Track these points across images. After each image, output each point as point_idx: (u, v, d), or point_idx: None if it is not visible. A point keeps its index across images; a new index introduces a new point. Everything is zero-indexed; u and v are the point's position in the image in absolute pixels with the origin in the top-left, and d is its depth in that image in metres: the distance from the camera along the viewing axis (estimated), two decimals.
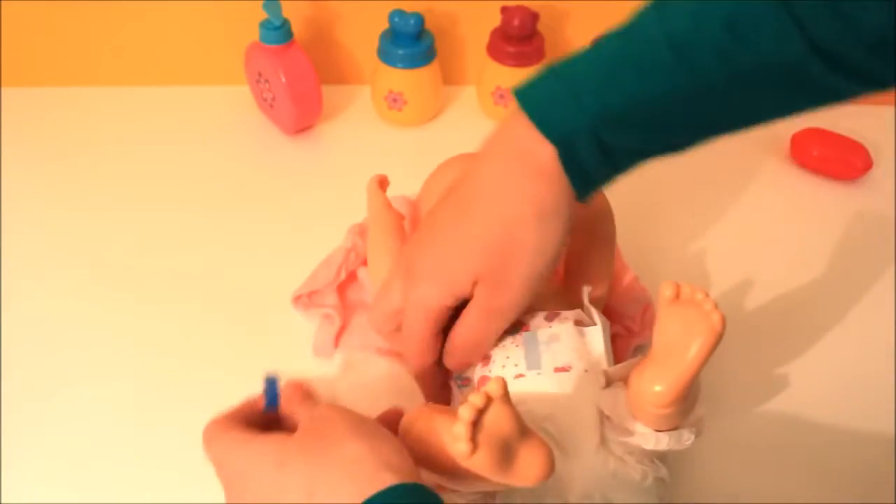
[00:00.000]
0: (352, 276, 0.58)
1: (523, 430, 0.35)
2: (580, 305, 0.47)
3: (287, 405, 0.41)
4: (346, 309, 0.56)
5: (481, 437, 0.33)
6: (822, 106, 0.43)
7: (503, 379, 0.35)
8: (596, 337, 0.45)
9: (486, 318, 0.45)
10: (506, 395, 0.34)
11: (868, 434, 0.52)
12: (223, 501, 0.48)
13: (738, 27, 0.39)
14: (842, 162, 0.70)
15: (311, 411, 0.39)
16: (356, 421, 0.37)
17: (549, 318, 0.46)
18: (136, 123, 0.74)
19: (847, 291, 0.61)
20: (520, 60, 0.72)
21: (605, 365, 0.44)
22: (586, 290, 0.47)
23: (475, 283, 0.44)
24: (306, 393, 0.42)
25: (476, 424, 0.33)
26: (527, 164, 0.43)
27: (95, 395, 0.53)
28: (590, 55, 0.43)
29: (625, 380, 0.42)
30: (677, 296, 0.38)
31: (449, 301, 0.45)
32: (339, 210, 0.61)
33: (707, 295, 0.37)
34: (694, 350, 0.37)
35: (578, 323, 0.46)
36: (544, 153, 0.42)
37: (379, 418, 0.42)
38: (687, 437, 0.41)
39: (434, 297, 0.45)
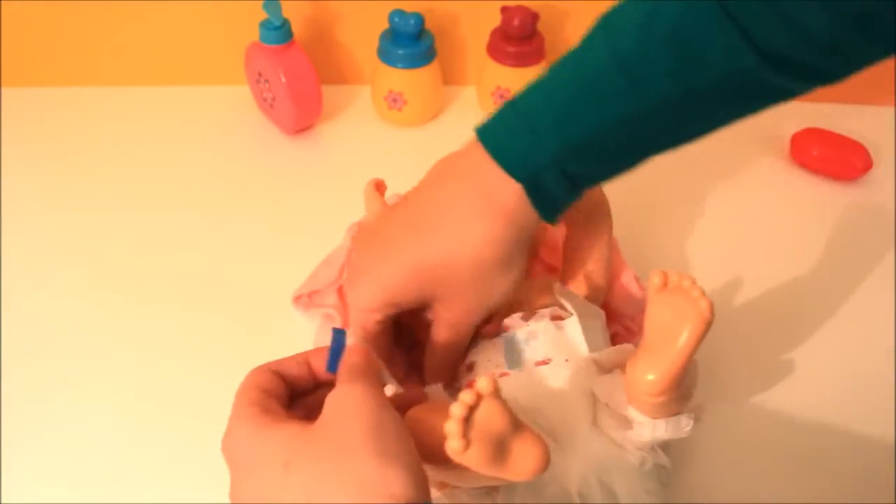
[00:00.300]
0: None
1: (516, 425, 0.35)
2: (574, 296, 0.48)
3: (341, 372, 0.38)
4: (347, 309, 0.56)
5: (473, 434, 0.34)
6: (775, 104, 0.43)
7: (493, 375, 0.35)
8: (573, 328, 0.45)
9: (447, 330, 0.46)
10: (496, 391, 0.35)
11: (868, 433, 0.52)
12: (223, 502, 0.48)
13: (685, 45, 0.39)
14: (842, 162, 0.70)
15: (340, 399, 0.36)
16: (376, 425, 0.34)
17: (526, 318, 0.47)
18: (136, 123, 0.74)
19: (847, 291, 0.61)
20: (520, 60, 0.72)
21: (584, 352, 0.45)
22: (556, 286, 0.48)
23: (431, 300, 0.45)
24: (365, 364, 0.38)
25: (467, 421, 0.34)
26: (489, 201, 0.43)
27: (95, 395, 0.53)
28: (545, 86, 0.43)
29: (621, 367, 0.42)
30: (665, 284, 0.38)
31: (382, 306, 0.45)
32: (339, 210, 0.61)
33: (694, 282, 0.38)
34: (684, 337, 0.37)
35: (556, 318, 0.47)
36: (507, 191, 0.43)
37: (393, 399, 0.41)
38: (685, 424, 0.41)
39: (366, 299, 0.46)
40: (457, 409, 0.33)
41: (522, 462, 0.35)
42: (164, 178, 0.69)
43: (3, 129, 0.73)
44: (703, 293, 0.37)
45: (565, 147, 0.42)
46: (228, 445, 0.37)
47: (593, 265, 0.51)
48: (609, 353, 0.44)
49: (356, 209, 0.61)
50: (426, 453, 0.38)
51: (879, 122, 0.75)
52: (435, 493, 0.43)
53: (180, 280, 0.61)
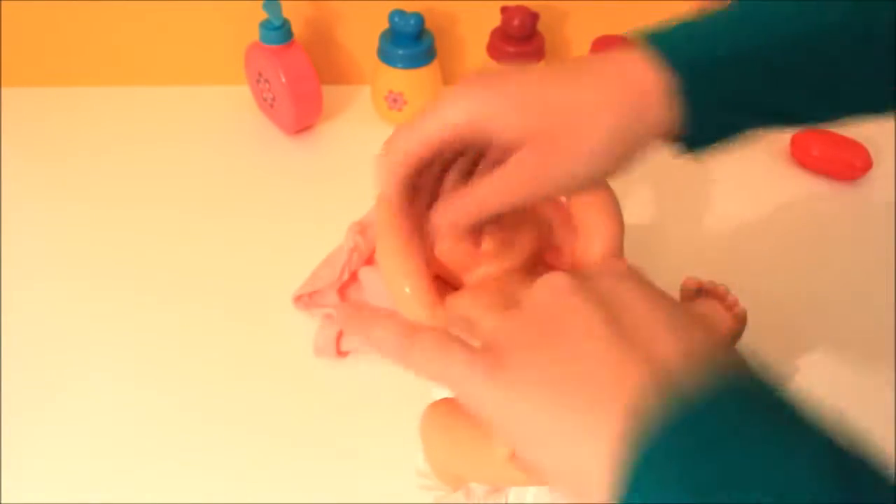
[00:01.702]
0: (353, 276, 0.58)
1: None
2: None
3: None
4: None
5: None
6: None
7: None
8: None
9: (524, 174, 0.39)
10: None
11: (868, 433, 0.52)
12: (223, 501, 0.48)
13: None
14: (842, 162, 0.70)
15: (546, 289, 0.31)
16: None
17: None
18: (136, 123, 0.74)
19: (847, 291, 0.61)
20: (520, 60, 0.72)
21: None
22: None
23: (520, 142, 0.38)
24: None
25: None
26: (630, 83, 0.39)
27: (96, 394, 0.53)
28: (722, 11, 0.40)
29: None
30: (701, 289, 0.38)
31: (460, 121, 0.38)
32: (339, 210, 0.61)
33: (728, 289, 0.37)
34: None
35: None
36: (654, 80, 0.38)
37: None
38: None
39: (444, 109, 0.38)
40: None
41: None
42: (165, 178, 0.69)
43: (3, 129, 0.73)
44: (737, 300, 0.37)
45: (733, 53, 0.38)
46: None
47: (608, 218, 0.50)
48: None
49: (356, 209, 0.62)
50: (460, 449, 0.37)
51: (879, 123, 0.75)
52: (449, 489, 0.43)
53: (180, 280, 0.61)
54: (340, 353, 0.55)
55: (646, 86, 0.38)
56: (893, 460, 0.51)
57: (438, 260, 0.55)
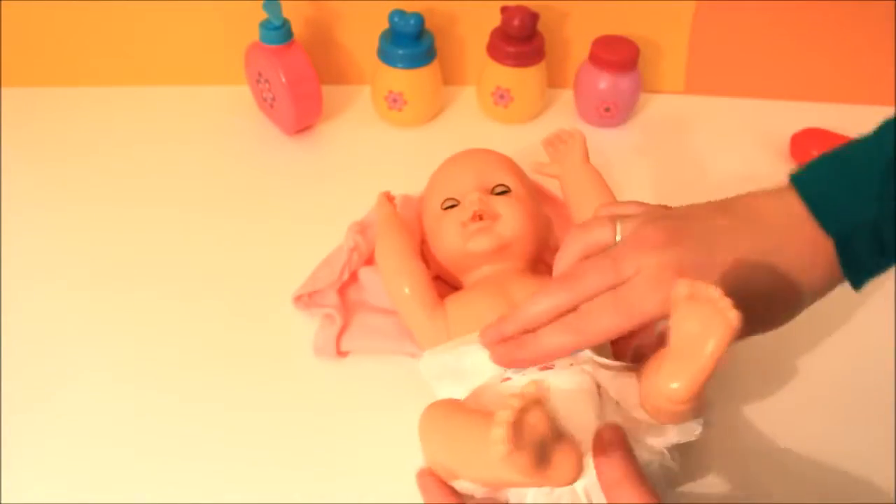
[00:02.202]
0: (353, 276, 0.58)
1: (557, 433, 0.35)
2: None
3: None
4: (347, 309, 0.56)
5: (519, 439, 0.34)
6: None
7: (540, 383, 0.35)
8: None
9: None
10: (544, 397, 0.35)
11: (868, 434, 0.52)
12: (223, 501, 0.48)
13: None
14: None
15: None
16: None
17: None
18: (136, 123, 0.74)
19: (846, 291, 0.61)
20: (520, 60, 0.72)
21: (587, 356, 0.45)
22: None
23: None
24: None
25: (515, 426, 0.33)
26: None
27: (96, 394, 0.53)
28: (872, 145, 0.44)
29: (627, 370, 0.43)
30: (692, 294, 0.38)
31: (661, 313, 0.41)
32: (340, 210, 0.61)
33: (722, 293, 0.37)
34: (711, 347, 0.37)
35: None
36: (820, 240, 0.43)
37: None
38: (695, 428, 0.42)
39: (657, 266, 0.41)
40: (505, 414, 0.33)
41: (561, 470, 0.35)
42: (164, 178, 0.69)
43: (3, 129, 0.73)
44: (732, 304, 0.37)
45: (884, 211, 0.41)
46: None
47: (600, 197, 0.53)
48: (614, 365, 0.44)
49: (356, 209, 0.62)
50: (457, 448, 0.38)
51: (879, 123, 0.75)
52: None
53: (180, 280, 0.61)
54: (340, 353, 0.55)
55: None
56: (893, 460, 0.51)
57: (438, 261, 0.55)
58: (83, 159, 0.70)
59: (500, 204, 0.53)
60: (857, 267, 0.43)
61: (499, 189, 0.54)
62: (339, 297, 0.57)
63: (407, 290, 0.52)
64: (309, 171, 0.70)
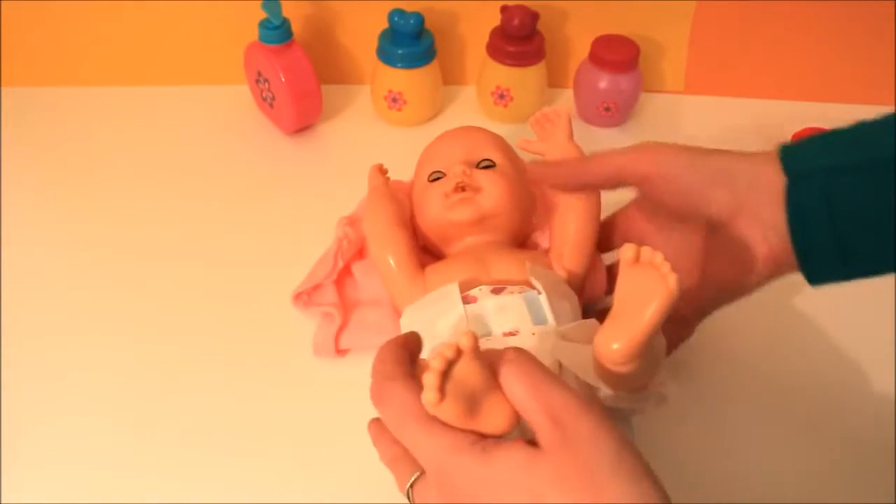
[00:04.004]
0: (347, 269, 0.58)
1: (489, 384, 0.36)
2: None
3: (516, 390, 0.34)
4: (346, 307, 0.56)
5: (449, 388, 0.34)
6: None
7: (474, 333, 0.35)
8: (543, 304, 0.47)
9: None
10: (475, 349, 0.35)
11: (868, 432, 0.52)
12: (223, 502, 0.48)
13: None
14: None
15: (564, 424, 0.33)
16: (619, 447, 0.33)
17: (496, 292, 0.48)
18: (136, 123, 0.74)
19: (846, 291, 0.61)
20: (520, 60, 0.72)
21: (551, 326, 0.46)
22: (528, 264, 0.49)
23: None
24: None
25: (445, 375, 0.34)
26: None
27: (96, 394, 0.53)
28: (858, 127, 0.44)
29: (588, 340, 0.44)
30: (637, 258, 0.40)
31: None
32: (339, 210, 0.61)
33: (664, 258, 0.39)
34: (650, 310, 0.39)
35: (525, 289, 0.48)
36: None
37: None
38: (645, 398, 0.44)
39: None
40: (436, 363, 0.34)
41: (493, 419, 0.36)
42: (164, 178, 0.69)
43: (3, 129, 0.73)
44: (672, 269, 0.39)
45: (838, 163, 0.42)
46: (443, 481, 0.35)
47: (571, 250, 0.53)
48: (575, 327, 0.46)
49: (355, 208, 0.62)
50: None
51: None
52: None
53: (180, 279, 0.61)
54: (339, 352, 0.55)
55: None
56: (894, 459, 0.51)
57: (424, 232, 0.56)
58: (83, 159, 0.70)
59: (483, 177, 0.54)
60: (803, 219, 0.43)
61: (484, 163, 0.55)
62: (338, 294, 0.57)
63: (390, 258, 0.54)
64: (308, 170, 0.70)
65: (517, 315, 0.47)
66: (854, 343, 0.58)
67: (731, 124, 0.76)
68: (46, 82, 0.77)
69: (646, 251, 0.39)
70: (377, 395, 0.38)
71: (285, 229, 0.65)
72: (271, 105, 0.72)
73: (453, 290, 0.48)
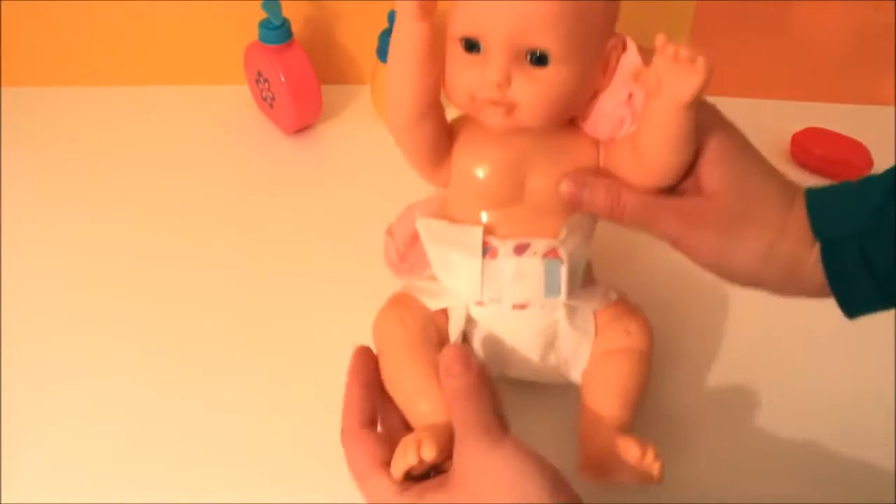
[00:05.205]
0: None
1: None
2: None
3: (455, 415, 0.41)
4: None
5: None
6: None
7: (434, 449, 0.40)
8: (562, 276, 0.46)
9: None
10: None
11: (868, 434, 0.52)
12: (223, 501, 0.48)
13: None
14: (842, 162, 0.70)
15: (470, 455, 0.39)
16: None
17: (519, 251, 0.45)
18: (135, 123, 0.74)
19: None
20: None
21: (562, 297, 0.46)
22: (563, 229, 0.46)
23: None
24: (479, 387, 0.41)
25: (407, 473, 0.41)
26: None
27: (96, 395, 0.53)
28: (883, 176, 0.43)
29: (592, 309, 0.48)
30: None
31: None
32: (339, 210, 0.61)
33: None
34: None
35: (549, 254, 0.46)
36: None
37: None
38: (592, 293, 0.48)
39: None
40: (398, 467, 0.40)
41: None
42: (164, 178, 0.69)
43: (3, 129, 0.73)
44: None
45: (876, 223, 0.41)
46: None
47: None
48: (586, 296, 0.47)
49: (356, 209, 0.62)
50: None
51: (879, 122, 0.75)
52: None
53: (179, 279, 0.60)
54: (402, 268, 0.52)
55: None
56: (893, 460, 0.51)
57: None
58: (83, 159, 0.70)
59: (526, 83, 0.41)
60: (842, 277, 0.43)
61: (535, 54, 0.41)
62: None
63: (412, 137, 0.46)
64: (308, 170, 0.70)
65: (532, 285, 0.45)
66: (854, 343, 0.58)
67: None
68: (46, 82, 0.77)
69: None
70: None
71: (285, 229, 0.65)
72: (271, 105, 0.72)
73: (476, 236, 0.45)
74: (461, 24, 0.42)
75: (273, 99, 0.71)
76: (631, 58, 0.44)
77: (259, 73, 0.71)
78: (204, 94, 0.77)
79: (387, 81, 0.45)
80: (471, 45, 0.42)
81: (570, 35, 0.41)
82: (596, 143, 0.46)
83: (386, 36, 0.71)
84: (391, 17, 0.69)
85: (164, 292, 0.60)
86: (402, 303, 0.48)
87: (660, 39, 0.39)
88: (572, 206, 0.45)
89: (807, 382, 0.55)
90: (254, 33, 0.69)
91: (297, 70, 0.69)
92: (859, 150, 0.70)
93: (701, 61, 0.38)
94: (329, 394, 0.54)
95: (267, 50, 0.68)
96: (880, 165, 0.70)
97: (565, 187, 0.44)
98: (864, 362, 0.57)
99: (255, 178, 0.69)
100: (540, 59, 0.41)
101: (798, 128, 0.72)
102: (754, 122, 0.78)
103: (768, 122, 0.75)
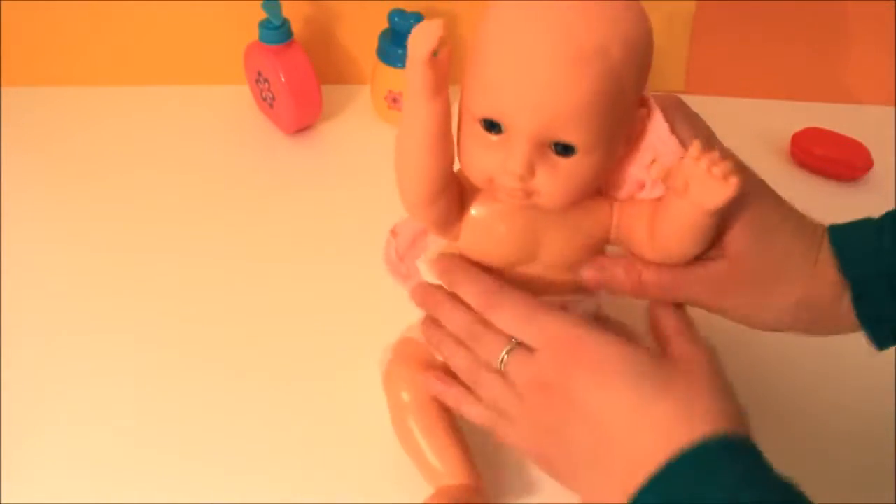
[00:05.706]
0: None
1: None
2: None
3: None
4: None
5: None
6: None
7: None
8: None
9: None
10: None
11: (868, 434, 0.52)
12: (223, 501, 0.48)
13: None
14: (842, 162, 0.70)
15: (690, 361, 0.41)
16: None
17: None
18: (135, 123, 0.74)
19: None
20: None
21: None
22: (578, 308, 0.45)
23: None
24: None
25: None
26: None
27: (96, 395, 0.53)
28: None
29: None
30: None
31: None
32: (339, 210, 0.61)
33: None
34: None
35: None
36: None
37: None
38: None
39: None
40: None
41: None
42: (164, 178, 0.69)
43: (3, 129, 0.73)
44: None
45: None
46: (562, 354, 0.39)
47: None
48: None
49: (356, 209, 0.62)
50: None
51: (879, 122, 0.75)
52: None
53: (180, 279, 0.61)
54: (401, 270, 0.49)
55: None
56: (894, 460, 0.51)
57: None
58: (83, 159, 0.70)
59: (548, 174, 0.39)
60: (873, 316, 0.43)
61: (560, 145, 0.39)
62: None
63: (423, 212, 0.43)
64: (308, 170, 0.70)
65: None
66: (854, 343, 0.58)
67: (731, 124, 0.75)
68: (46, 82, 0.77)
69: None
70: (490, 308, 0.42)
71: (285, 229, 0.65)
72: (271, 105, 0.72)
73: None
74: (483, 105, 0.39)
75: (273, 99, 0.71)
76: (658, 128, 0.42)
77: (259, 74, 0.71)
78: (204, 94, 0.77)
79: (398, 158, 0.43)
80: (491, 125, 0.39)
81: (600, 127, 0.38)
82: (611, 201, 0.44)
83: (386, 36, 0.71)
84: (391, 17, 0.69)
85: (165, 292, 0.60)
86: (410, 357, 0.48)
87: (694, 149, 0.38)
88: (595, 289, 0.45)
89: (807, 382, 0.55)
90: (254, 33, 0.69)
91: (297, 70, 0.69)
92: (859, 150, 0.70)
93: (733, 180, 0.37)
94: (329, 394, 0.54)
95: (267, 50, 0.68)
96: (880, 165, 0.71)
97: (587, 274, 0.44)
98: (865, 362, 0.57)
99: (255, 178, 0.69)
100: (566, 150, 0.39)
101: (798, 128, 0.72)
102: (754, 122, 0.79)
103: (768, 122, 0.75)
